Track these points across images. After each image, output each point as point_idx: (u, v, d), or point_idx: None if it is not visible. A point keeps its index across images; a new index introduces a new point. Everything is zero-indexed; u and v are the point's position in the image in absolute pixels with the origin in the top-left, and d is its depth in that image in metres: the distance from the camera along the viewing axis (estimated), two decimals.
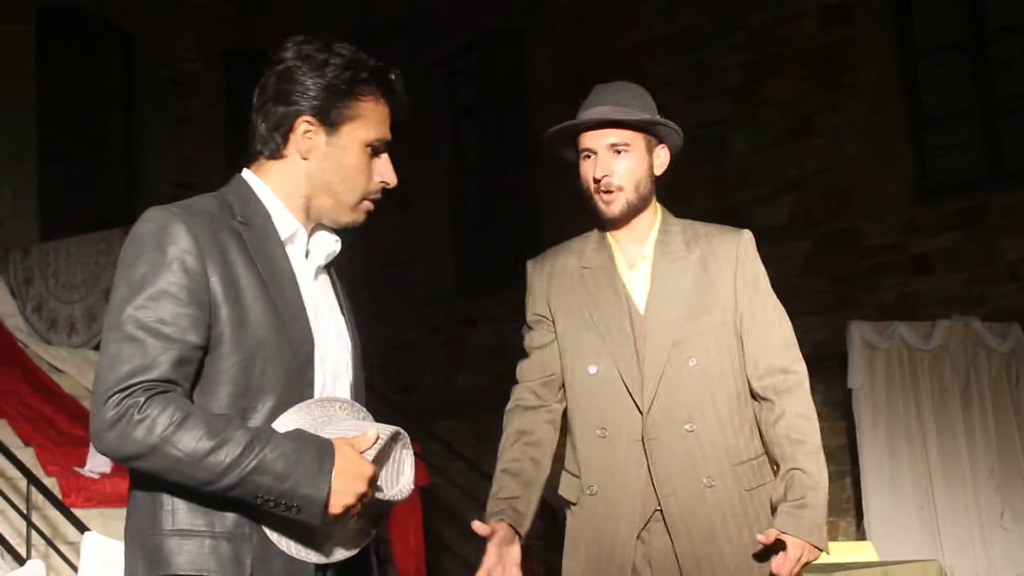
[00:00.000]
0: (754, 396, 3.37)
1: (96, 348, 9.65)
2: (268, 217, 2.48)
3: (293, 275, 2.47)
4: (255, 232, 2.44)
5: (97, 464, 8.01)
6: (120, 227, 9.95)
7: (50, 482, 7.63)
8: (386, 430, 2.37)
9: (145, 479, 2.34)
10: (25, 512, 7.23)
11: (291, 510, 2.26)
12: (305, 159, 2.49)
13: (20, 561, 6.60)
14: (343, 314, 2.60)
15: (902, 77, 9.75)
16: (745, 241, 3.39)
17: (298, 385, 2.40)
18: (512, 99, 11.72)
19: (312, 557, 2.34)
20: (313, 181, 2.50)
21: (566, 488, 3.41)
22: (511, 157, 11.72)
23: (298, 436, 2.30)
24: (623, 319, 3.30)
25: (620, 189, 3.31)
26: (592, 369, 3.30)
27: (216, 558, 2.30)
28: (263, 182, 2.51)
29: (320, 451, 2.28)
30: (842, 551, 6.97)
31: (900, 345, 8.45)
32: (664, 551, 3.23)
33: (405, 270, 12.10)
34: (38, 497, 7.32)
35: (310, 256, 2.54)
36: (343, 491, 2.27)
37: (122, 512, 7.80)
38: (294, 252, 2.50)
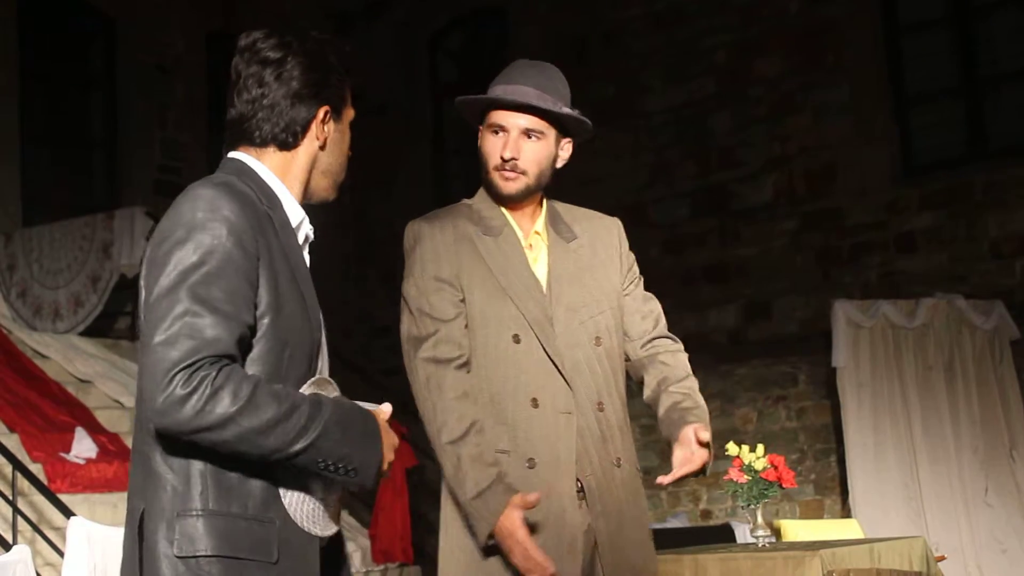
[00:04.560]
0: (633, 361, 3.45)
1: (82, 334, 9.64)
2: (281, 205, 2.50)
3: (306, 263, 2.52)
4: (278, 219, 2.46)
5: (82, 450, 8.01)
6: (103, 211, 9.94)
7: (35, 468, 7.63)
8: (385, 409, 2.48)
9: (170, 458, 2.32)
10: (11, 498, 7.23)
11: (349, 473, 2.32)
12: (323, 148, 2.54)
13: (6, 547, 6.60)
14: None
15: (886, 55, 9.75)
16: (621, 228, 3.51)
17: (309, 373, 2.44)
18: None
19: (317, 531, 2.41)
20: (318, 166, 2.56)
21: None
22: None
23: (344, 402, 2.37)
24: (535, 291, 3.28)
25: (524, 173, 3.28)
26: (516, 339, 3.23)
27: (250, 541, 2.31)
28: (265, 167, 2.52)
29: (365, 418, 2.37)
30: (828, 529, 6.99)
31: (884, 323, 8.48)
32: (585, 528, 3.22)
33: (388, 250, 12.08)
34: (23, 483, 7.32)
35: (305, 243, 2.58)
36: (386, 457, 2.38)
37: (108, 497, 7.78)
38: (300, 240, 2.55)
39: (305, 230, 2.56)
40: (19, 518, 7.17)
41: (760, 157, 10.06)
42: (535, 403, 3.21)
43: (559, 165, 3.37)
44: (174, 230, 2.33)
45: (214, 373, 2.22)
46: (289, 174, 2.53)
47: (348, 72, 2.58)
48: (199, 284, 2.27)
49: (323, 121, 2.52)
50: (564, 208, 3.47)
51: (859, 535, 6.77)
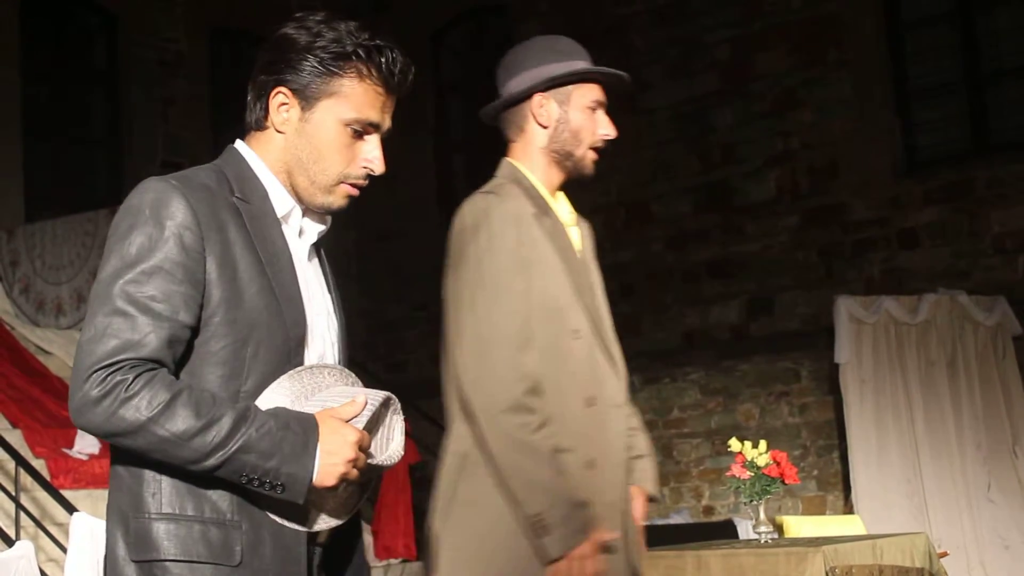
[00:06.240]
0: None
1: None
2: (265, 194, 2.40)
3: (289, 255, 2.40)
4: (253, 209, 2.37)
5: (85, 445, 8.01)
6: (106, 207, 9.94)
7: (38, 463, 7.63)
8: (376, 396, 2.35)
9: (128, 458, 2.27)
10: (13, 494, 7.23)
11: (276, 489, 2.22)
12: (280, 132, 2.41)
13: (9, 543, 6.60)
14: (331, 292, 2.54)
15: (888, 50, 9.75)
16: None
17: (288, 367, 2.35)
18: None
19: (303, 527, 2.32)
20: (288, 156, 2.42)
21: None
22: (496, 133, 11.68)
23: (280, 413, 2.25)
24: (588, 274, 3.15)
25: None
26: (577, 329, 3.06)
27: (206, 544, 2.25)
28: (256, 155, 2.44)
29: (304, 427, 2.24)
30: (830, 525, 7.00)
31: (887, 319, 8.48)
32: (628, 515, 3.16)
33: (391, 246, 12.10)
34: (26, 479, 7.32)
35: (303, 235, 2.48)
36: (332, 463, 2.24)
37: None
38: (289, 231, 2.44)
39: (298, 222, 2.46)
40: (22, 514, 7.18)
41: (762, 153, 10.06)
42: (591, 401, 3.04)
43: None
44: (119, 225, 2.28)
45: (131, 378, 2.17)
46: (272, 160, 2.43)
47: (352, 64, 2.40)
48: (132, 282, 2.22)
49: (280, 103, 2.40)
50: None
51: (861, 531, 6.78)
